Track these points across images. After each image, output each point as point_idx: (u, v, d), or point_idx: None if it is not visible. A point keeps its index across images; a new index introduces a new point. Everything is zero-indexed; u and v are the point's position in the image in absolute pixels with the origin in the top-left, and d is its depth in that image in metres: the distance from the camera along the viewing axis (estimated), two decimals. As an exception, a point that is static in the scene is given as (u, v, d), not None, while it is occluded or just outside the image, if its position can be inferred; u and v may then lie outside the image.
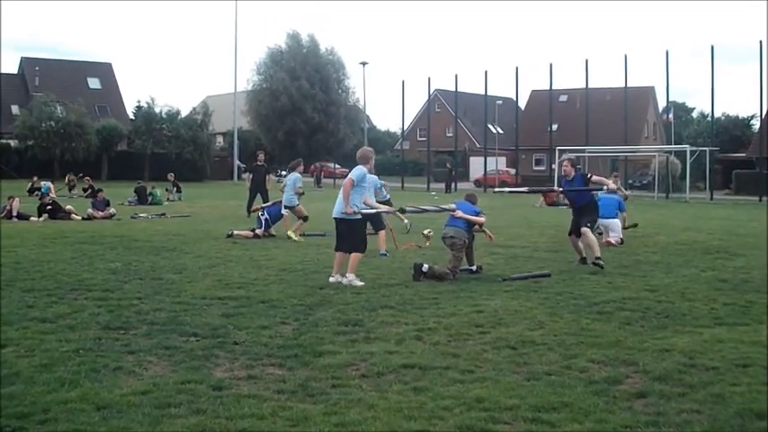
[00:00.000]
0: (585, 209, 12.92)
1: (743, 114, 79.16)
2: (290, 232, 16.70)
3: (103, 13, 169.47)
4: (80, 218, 22.27)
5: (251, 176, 22.83)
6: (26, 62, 74.22)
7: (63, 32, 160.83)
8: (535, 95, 69.96)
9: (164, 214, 24.72)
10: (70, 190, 37.81)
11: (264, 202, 19.65)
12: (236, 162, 59.65)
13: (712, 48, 42.36)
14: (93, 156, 58.44)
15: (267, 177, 22.06)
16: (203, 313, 8.58)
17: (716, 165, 48.02)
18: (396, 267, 11.49)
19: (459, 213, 11.83)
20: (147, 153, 60.48)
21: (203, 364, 6.52)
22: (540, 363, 6.61)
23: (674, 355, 6.84)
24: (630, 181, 50.88)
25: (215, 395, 5.65)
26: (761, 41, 41.58)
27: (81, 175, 39.29)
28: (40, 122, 57.19)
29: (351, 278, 10.67)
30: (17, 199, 22.72)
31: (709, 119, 60.68)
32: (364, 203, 11.59)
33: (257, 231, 16.99)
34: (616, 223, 16.29)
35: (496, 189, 11.72)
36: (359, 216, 11.07)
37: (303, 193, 18.71)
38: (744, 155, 56.85)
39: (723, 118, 76.67)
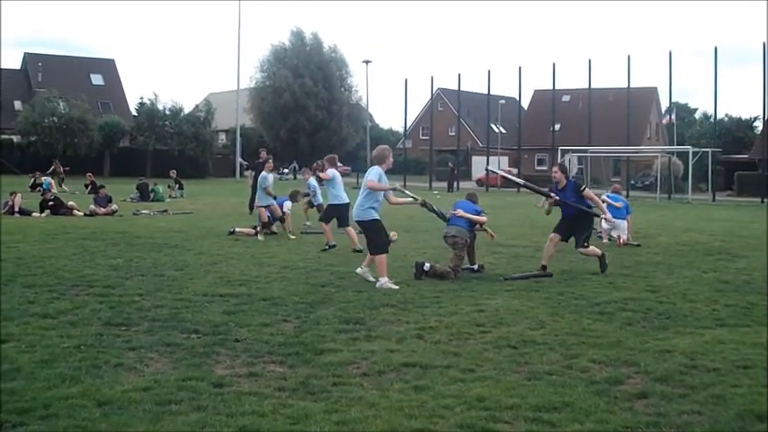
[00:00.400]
0: (579, 220, 12.18)
1: (746, 116, 79.17)
2: (289, 234, 16.67)
3: (107, 10, 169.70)
4: (82, 214, 22.30)
5: (253, 174, 22.83)
6: (29, 58, 74.27)
7: (66, 28, 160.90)
8: (538, 95, 70.00)
9: (166, 211, 24.73)
10: (60, 183, 37.93)
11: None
12: (239, 159, 59.60)
13: (716, 49, 42.19)
14: (95, 152, 58.49)
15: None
16: (205, 310, 8.58)
17: (718, 166, 48.02)
18: (397, 266, 11.49)
19: (461, 212, 11.83)
20: (150, 150, 60.50)
21: (204, 361, 6.52)
22: (541, 362, 6.61)
23: (675, 356, 6.83)
24: (633, 182, 50.88)
25: (216, 392, 5.65)
26: (764, 43, 41.62)
27: (68, 168, 39.40)
28: (42, 118, 57.20)
29: (383, 282, 10.33)
30: (19, 195, 22.78)
31: (711, 120, 60.61)
32: (390, 200, 11.28)
33: (259, 229, 16.99)
34: (623, 224, 16.31)
35: (489, 167, 11.20)
36: (375, 217, 10.72)
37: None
38: (746, 156, 56.82)
39: (726, 119, 76.60)
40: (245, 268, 11.92)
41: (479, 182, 59.21)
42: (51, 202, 22.74)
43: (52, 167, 40.47)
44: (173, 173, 37.66)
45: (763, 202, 37.53)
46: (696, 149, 43.50)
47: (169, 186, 35.29)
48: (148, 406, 5.28)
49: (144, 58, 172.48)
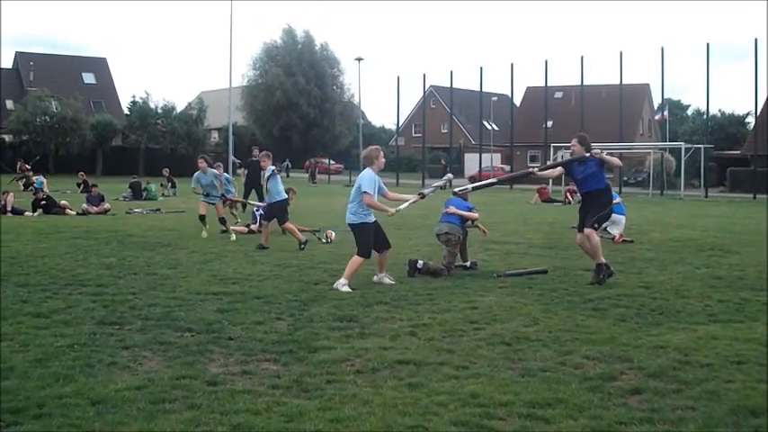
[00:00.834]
0: (595, 197, 10.70)
1: (738, 112, 79.24)
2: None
3: (98, 8, 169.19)
4: (75, 213, 22.29)
5: (245, 172, 22.81)
6: (21, 57, 74.13)
7: (57, 27, 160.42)
8: (530, 92, 69.98)
9: (158, 209, 24.72)
10: (26, 188, 33.25)
11: (260, 198, 19.67)
12: (231, 158, 59.51)
13: (708, 45, 42.25)
14: (87, 151, 58.47)
15: (262, 173, 22.03)
16: (198, 309, 8.57)
17: (711, 162, 48.11)
18: (390, 263, 11.48)
19: (453, 209, 11.84)
20: (142, 148, 60.43)
21: (198, 359, 6.52)
22: (534, 359, 6.61)
23: (668, 351, 6.84)
24: (625, 178, 50.91)
25: (210, 390, 5.64)
26: (756, 39, 41.69)
27: (29, 168, 38.60)
28: (34, 117, 57.16)
29: (342, 282, 9.97)
30: (12, 194, 22.72)
31: (704, 116, 60.76)
32: (399, 207, 10.90)
33: (252, 227, 16.99)
34: (622, 219, 16.26)
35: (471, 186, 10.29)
36: (365, 220, 10.36)
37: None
38: (738, 152, 56.92)
39: (718, 115, 76.70)
40: (239, 266, 11.91)
41: (472, 179, 59.21)
42: (44, 202, 22.70)
43: (23, 170, 38.19)
44: (165, 171, 37.61)
45: (755, 197, 37.61)
46: (688, 145, 43.62)
47: (162, 185, 35.26)
48: (142, 404, 5.27)
49: (136, 56, 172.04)
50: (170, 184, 35.70)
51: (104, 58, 79.03)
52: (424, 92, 62.49)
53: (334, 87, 76.50)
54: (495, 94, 69.27)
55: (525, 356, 6.70)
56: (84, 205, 23.02)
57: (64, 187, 35.93)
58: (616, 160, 10.95)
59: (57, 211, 22.31)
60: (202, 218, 16.39)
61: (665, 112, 55.25)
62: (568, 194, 29.99)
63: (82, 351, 6.65)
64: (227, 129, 65.54)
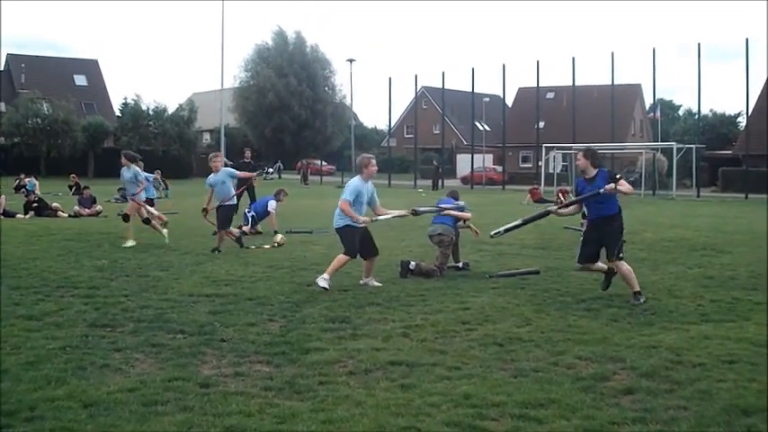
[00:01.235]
0: (608, 226, 9.59)
1: (729, 112, 79.52)
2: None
3: (90, 10, 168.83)
4: (66, 215, 22.23)
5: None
6: (12, 59, 73.75)
7: (48, 29, 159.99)
8: (522, 93, 70.03)
9: (151, 211, 24.59)
10: (17, 190, 32.71)
11: (251, 200, 19.64)
12: (223, 159, 59.48)
13: (699, 45, 42.31)
14: (79, 153, 58.19)
15: (254, 175, 22.00)
16: (190, 310, 8.56)
17: (702, 162, 48.11)
18: (383, 264, 11.47)
19: (448, 210, 11.85)
20: (134, 150, 60.21)
21: (190, 361, 6.51)
22: (527, 359, 6.62)
23: (660, 351, 6.86)
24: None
25: (202, 392, 5.64)
26: (747, 39, 41.76)
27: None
28: (26, 120, 56.90)
29: (324, 278, 9.91)
30: (3, 196, 22.64)
31: (695, 116, 60.86)
32: (378, 216, 10.84)
33: (244, 228, 16.96)
34: None
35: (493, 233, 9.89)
36: (348, 223, 10.30)
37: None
38: (730, 152, 57.06)
39: (710, 115, 76.91)
40: (231, 268, 11.89)
41: (465, 180, 59.22)
42: (35, 204, 22.64)
43: None
44: (157, 173, 37.44)
45: (746, 197, 37.69)
46: (680, 146, 43.61)
47: (154, 186, 35.10)
48: (135, 407, 5.27)
49: (127, 58, 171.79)
50: (162, 186, 35.59)
51: (96, 60, 78.80)
52: (416, 93, 62.56)
53: (326, 88, 76.52)
54: (486, 95, 69.26)
55: (518, 357, 6.71)
56: (76, 207, 22.97)
57: (56, 189, 35.82)
58: (630, 188, 9.76)
59: (48, 213, 22.26)
60: (126, 217, 16.17)
61: (657, 112, 55.29)
62: (560, 195, 30.01)
63: (74, 353, 6.64)
64: (219, 130, 65.54)
